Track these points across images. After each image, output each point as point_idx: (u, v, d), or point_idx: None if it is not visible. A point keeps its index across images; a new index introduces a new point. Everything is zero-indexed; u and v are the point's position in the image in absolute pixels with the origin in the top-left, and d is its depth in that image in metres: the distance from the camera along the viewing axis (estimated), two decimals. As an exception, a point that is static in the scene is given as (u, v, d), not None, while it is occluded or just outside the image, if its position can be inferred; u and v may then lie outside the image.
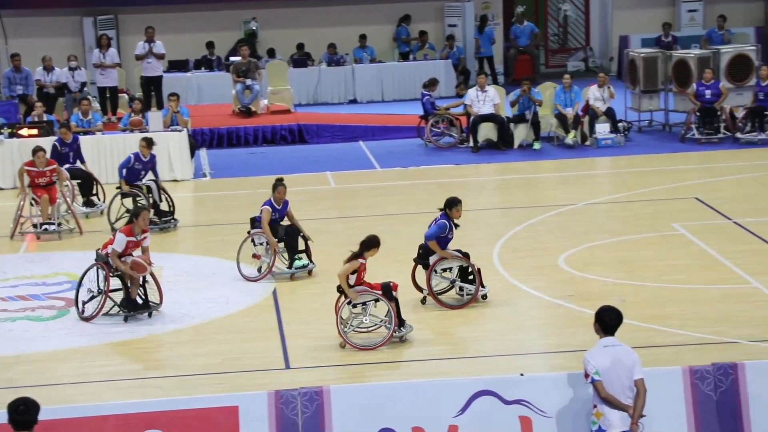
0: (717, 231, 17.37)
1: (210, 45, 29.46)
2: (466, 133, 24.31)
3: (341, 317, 13.34)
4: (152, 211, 18.03)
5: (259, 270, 15.84)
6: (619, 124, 24.02)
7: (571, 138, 23.66)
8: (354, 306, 13.37)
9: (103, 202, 19.73)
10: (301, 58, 29.89)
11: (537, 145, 23.73)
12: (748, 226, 16.94)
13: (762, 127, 22.95)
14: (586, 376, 9.53)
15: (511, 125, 24.02)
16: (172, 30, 28.94)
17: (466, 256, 14.70)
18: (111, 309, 14.40)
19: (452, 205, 14.56)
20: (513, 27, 30.90)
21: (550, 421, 10.00)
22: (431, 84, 24.93)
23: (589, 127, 23.79)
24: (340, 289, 13.39)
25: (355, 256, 13.23)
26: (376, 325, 13.46)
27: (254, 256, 15.75)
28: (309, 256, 15.93)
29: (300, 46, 30.19)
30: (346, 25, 30.29)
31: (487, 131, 24.02)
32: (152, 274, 14.56)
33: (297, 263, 15.82)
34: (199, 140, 24.82)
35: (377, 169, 22.88)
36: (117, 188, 18.78)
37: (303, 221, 16.31)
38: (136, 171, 18.71)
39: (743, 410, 10.02)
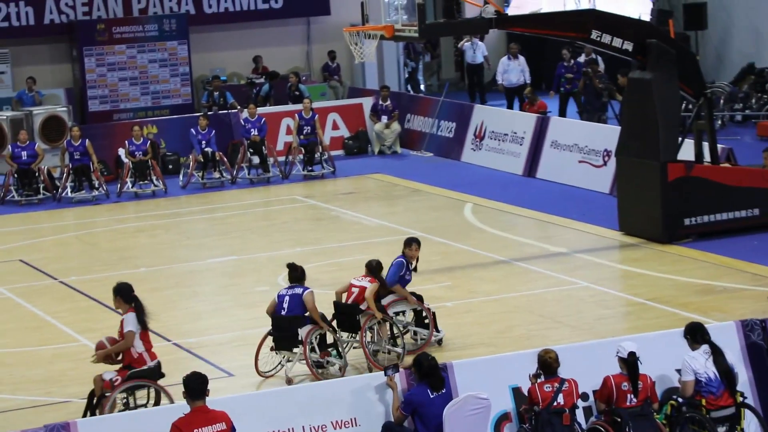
0: (43, 291, 17.36)
1: None
2: None
3: None
4: None
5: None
6: (-65, 190, 23.29)
7: None
8: None
9: None
10: None
11: None
12: (73, 284, 17.08)
13: (91, 185, 23.19)
14: None
15: None
16: None
17: (419, 299, 13.90)
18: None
19: (407, 244, 13.78)
20: None
21: None
22: None
23: None
24: None
25: None
26: None
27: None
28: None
29: None
30: None
31: None
32: None
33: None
34: None
35: None
36: None
37: None
38: None
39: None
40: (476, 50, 31.03)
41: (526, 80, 28.54)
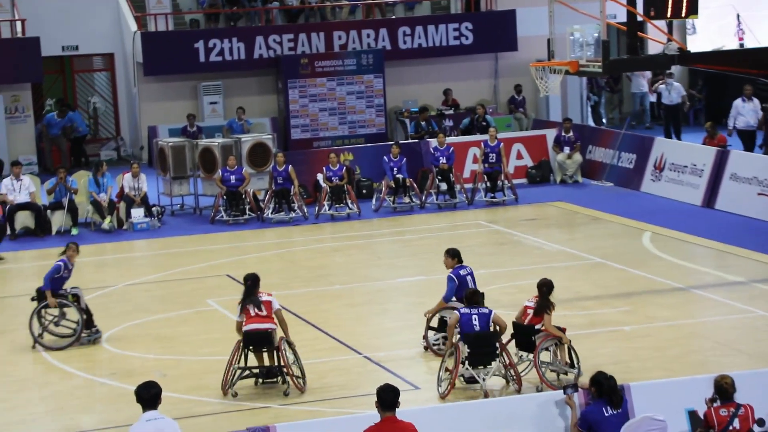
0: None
1: None
2: (3, 221, 23.46)
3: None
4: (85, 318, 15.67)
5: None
6: (153, 209, 24.08)
7: (107, 223, 23.44)
8: None
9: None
10: None
11: (75, 231, 23.32)
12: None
13: (290, 207, 23.73)
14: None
15: (48, 212, 23.50)
16: None
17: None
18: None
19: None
20: (49, 116, 30.47)
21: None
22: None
23: (126, 213, 23.69)
24: None
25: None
26: None
27: None
28: None
29: None
30: None
31: (24, 219, 23.35)
32: None
33: None
34: None
35: None
36: (34, 299, 15.64)
37: None
38: (63, 280, 15.75)
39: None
40: (671, 91, 30.09)
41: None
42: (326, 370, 14.44)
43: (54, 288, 15.63)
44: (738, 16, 31.65)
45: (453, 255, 14.81)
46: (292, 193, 23.84)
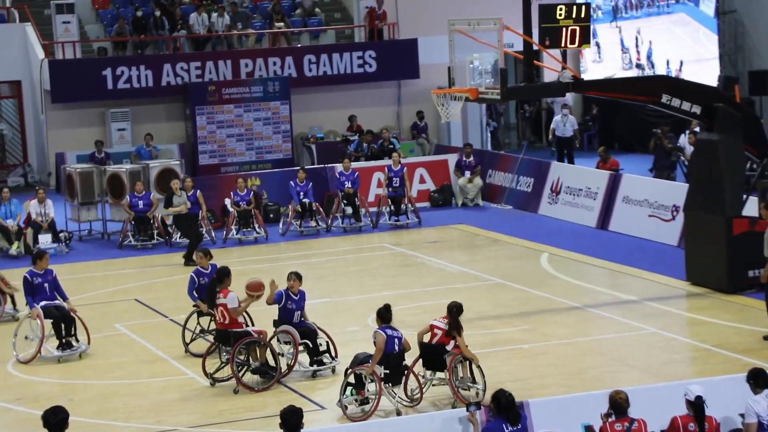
0: (155, 328, 17.53)
1: None
2: None
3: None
4: None
5: None
6: (61, 234, 23.68)
7: (15, 249, 23.02)
8: None
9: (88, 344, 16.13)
10: None
11: (-18, 257, 22.90)
12: (181, 322, 17.19)
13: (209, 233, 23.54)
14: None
15: (-45, 239, 23.01)
16: None
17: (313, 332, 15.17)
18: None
19: (288, 278, 15.18)
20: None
21: None
22: None
23: (33, 238, 23.27)
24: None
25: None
26: None
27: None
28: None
29: None
30: None
31: (-69, 245, 22.83)
32: None
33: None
34: None
35: None
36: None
37: None
38: (202, 287, 16.16)
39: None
40: (566, 123, 30.15)
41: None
42: (231, 392, 14.27)
43: (201, 296, 16.06)
44: (638, 30, 32.20)
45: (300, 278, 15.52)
46: (200, 217, 23.62)
